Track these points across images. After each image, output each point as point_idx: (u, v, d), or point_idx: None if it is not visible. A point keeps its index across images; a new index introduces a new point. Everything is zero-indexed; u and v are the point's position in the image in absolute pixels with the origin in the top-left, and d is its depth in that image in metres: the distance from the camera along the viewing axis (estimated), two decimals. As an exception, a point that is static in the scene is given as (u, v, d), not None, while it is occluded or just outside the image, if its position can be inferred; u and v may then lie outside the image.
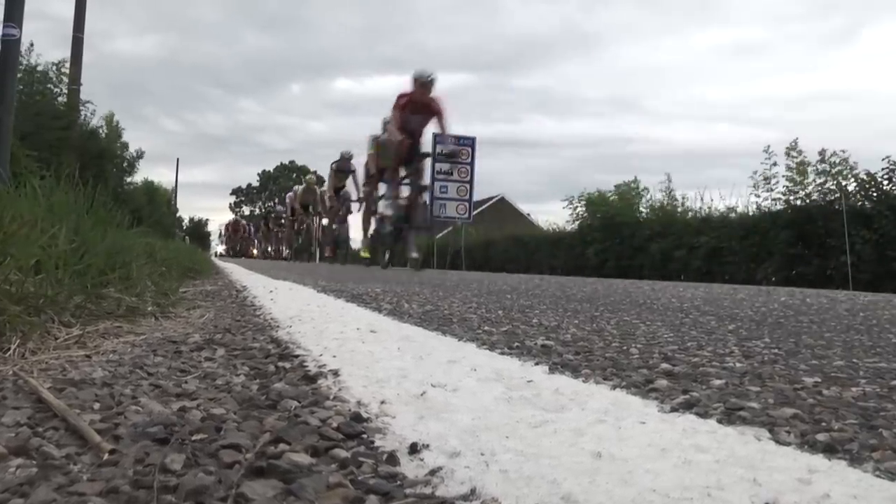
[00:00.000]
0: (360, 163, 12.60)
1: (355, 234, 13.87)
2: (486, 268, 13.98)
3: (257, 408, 0.84)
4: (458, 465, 0.62)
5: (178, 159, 34.73)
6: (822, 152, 8.84)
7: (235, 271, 6.66)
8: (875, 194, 8.29)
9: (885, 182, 8.28)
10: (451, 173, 12.77)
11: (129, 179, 15.97)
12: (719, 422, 0.80)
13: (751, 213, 9.87)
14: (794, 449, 0.70)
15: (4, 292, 1.29)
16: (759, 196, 9.68)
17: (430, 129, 9.12)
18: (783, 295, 3.84)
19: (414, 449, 0.67)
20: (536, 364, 1.19)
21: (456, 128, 9.31)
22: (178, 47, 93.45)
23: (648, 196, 12.22)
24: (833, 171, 8.68)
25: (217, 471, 0.59)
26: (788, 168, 9.26)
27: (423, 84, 8.45)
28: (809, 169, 8.98)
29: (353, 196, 13.67)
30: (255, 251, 29.96)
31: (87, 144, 11.13)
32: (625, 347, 1.45)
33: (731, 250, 9.57)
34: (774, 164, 9.47)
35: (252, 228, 32.30)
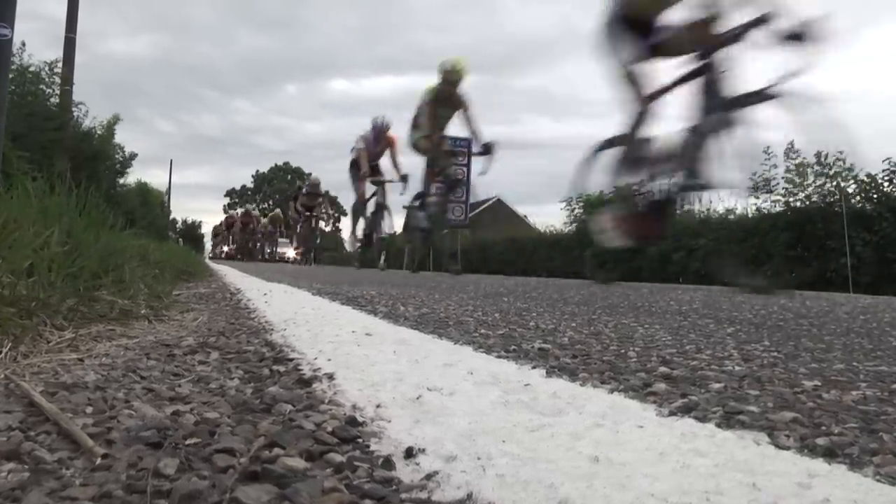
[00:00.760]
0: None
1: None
2: (483, 270, 13.98)
3: (251, 412, 0.83)
4: (455, 470, 0.62)
5: (171, 161, 34.78)
6: (818, 154, 8.84)
7: (230, 274, 6.65)
8: (875, 196, 8.29)
9: (886, 184, 8.27)
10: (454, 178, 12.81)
11: (122, 181, 15.93)
12: (718, 426, 0.80)
13: (749, 215, 9.87)
14: (794, 453, 0.69)
15: (-3, 295, 1.28)
16: (758, 198, 9.68)
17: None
18: (782, 298, 3.84)
19: (410, 453, 0.66)
20: (533, 367, 1.19)
21: (453, 129, 9.21)
22: (173, 47, 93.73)
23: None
24: (832, 172, 8.68)
25: (211, 475, 0.59)
26: (787, 170, 9.27)
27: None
28: (809, 170, 8.97)
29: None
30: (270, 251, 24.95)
31: (80, 146, 11.10)
32: (623, 351, 1.45)
33: (730, 253, 9.57)
34: (774, 165, 9.47)
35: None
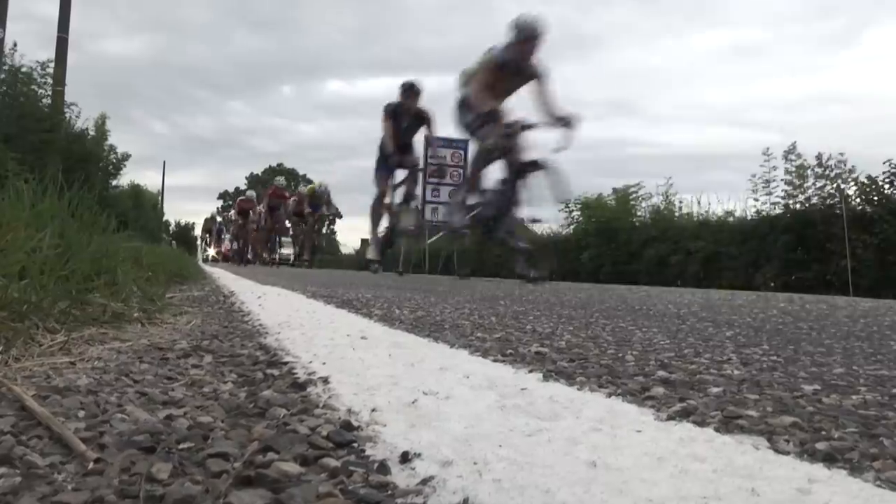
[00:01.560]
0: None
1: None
2: (480, 273, 13.96)
3: (245, 416, 0.83)
4: (451, 475, 0.61)
5: (164, 162, 34.72)
6: (819, 156, 8.85)
7: (223, 276, 6.63)
8: (876, 198, 8.30)
9: (887, 186, 8.28)
10: (445, 176, 12.69)
11: (115, 183, 15.90)
12: (717, 430, 0.79)
13: (749, 217, 9.87)
14: (794, 458, 0.69)
15: (-12, 297, 1.27)
16: (757, 200, 9.69)
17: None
18: (782, 301, 3.85)
19: (405, 458, 0.66)
20: (530, 371, 1.18)
21: (450, 130, 8.43)
22: (167, 48, 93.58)
23: (649, 200, 12.14)
24: (832, 174, 8.69)
25: (204, 480, 0.58)
26: (787, 171, 9.27)
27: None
28: (809, 172, 8.97)
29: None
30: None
31: (73, 147, 11.07)
32: (620, 354, 1.44)
33: (728, 255, 9.57)
34: (774, 167, 9.48)
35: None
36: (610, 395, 1.00)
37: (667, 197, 11.70)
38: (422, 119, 8.25)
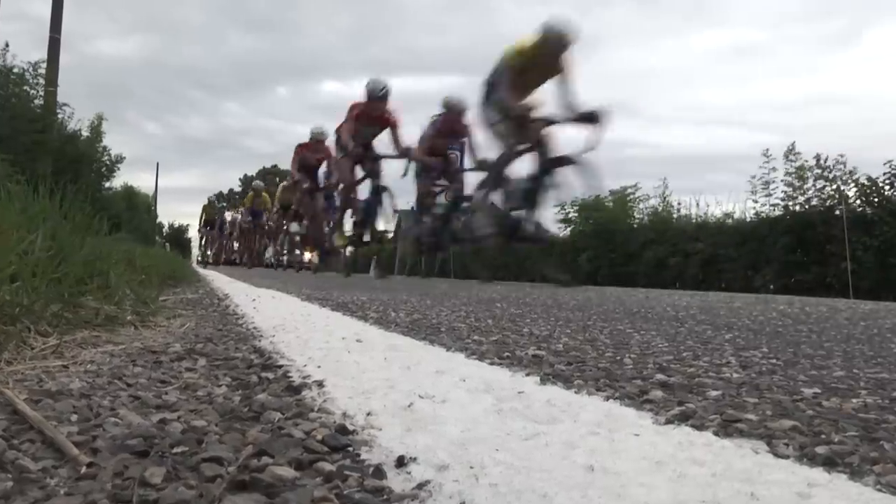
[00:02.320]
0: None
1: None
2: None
3: (240, 420, 0.82)
4: (447, 479, 0.61)
5: (157, 164, 34.66)
6: (817, 157, 8.85)
7: (217, 279, 6.62)
8: (876, 200, 8.30)
9: (887, 187, 8.26)
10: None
11: (108, 184, 15.82)
12: (716, 434, 0.79)
13: (748, 219, 9.86)
14: (793, 462, 0.69)
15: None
16: (756, 202, 9.68)
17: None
18: (782, 303, 3.85)
19: (401, 462, 0.65)
20: (527, 374, 1.18)
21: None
22: (162, 49, 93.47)
23: (647, 201, 12.10)
24: (831, 175, 8.68)
25: (198, 484, 0.58)
26: (787, 173, 9.26)
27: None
28: (808, 174, 8.96)
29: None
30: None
31: (65, 148, 11.04)
32: (618, 357, 1.44)
33: (727, 257, 9.56)
34: (773, 168, 9.47)
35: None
36: (608, 398, 1.00)
37: (663, 198, 11.69)
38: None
